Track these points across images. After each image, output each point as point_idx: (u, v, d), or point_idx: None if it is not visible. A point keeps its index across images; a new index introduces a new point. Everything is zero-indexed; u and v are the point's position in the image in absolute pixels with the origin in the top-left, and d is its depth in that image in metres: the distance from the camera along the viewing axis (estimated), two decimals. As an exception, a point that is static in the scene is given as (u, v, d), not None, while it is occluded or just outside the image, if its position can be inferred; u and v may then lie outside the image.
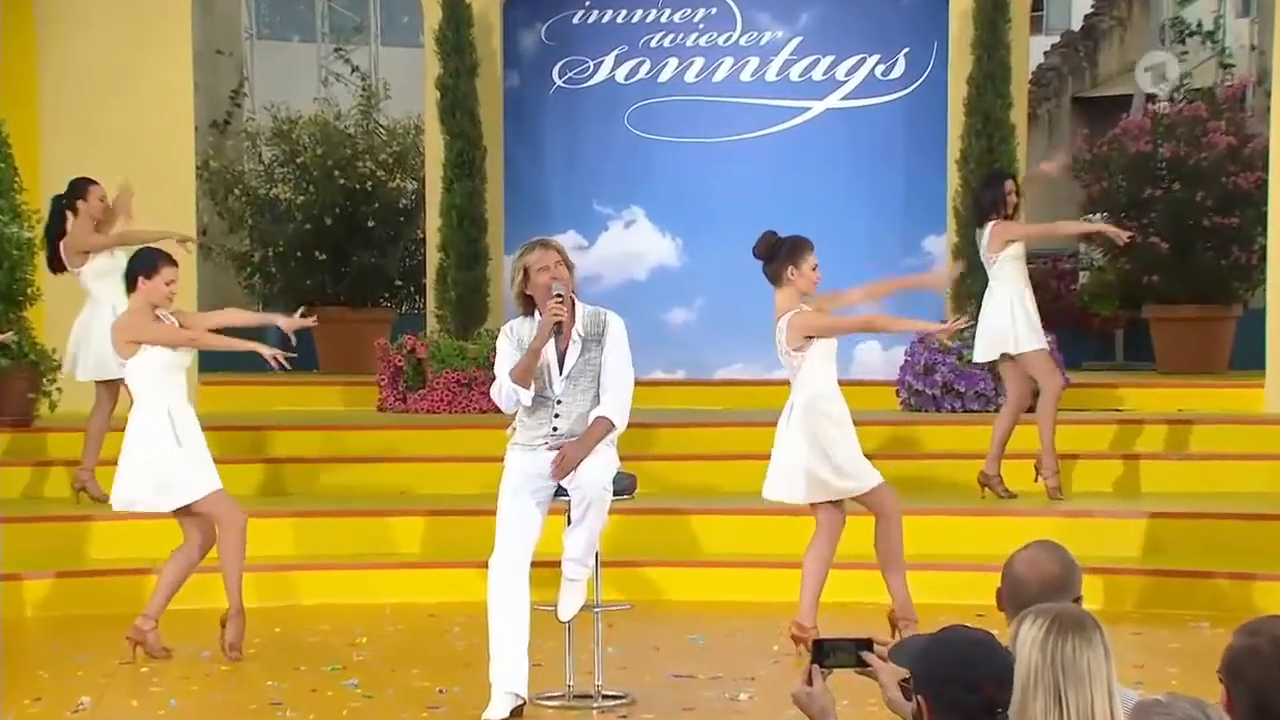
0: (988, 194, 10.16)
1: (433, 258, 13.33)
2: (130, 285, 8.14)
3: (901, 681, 3.60)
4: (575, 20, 13.70)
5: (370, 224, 15.35)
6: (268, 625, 8.77)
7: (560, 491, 7.00)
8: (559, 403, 6.98)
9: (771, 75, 13.53)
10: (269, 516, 9.81)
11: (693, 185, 13.50)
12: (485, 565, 7.01)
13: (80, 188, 10.34)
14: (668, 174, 13.58)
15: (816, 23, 13.53)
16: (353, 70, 18.48)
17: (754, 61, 13.53)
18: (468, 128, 13.02)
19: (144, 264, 8.13)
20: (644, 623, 8.78)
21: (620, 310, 7.22)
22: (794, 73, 13.51)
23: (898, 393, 12.39)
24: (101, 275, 10.11)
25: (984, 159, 12.29)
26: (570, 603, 7.13)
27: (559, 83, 13.70)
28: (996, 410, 10.90)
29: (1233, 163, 14.18)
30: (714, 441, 11.39)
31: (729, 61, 13.55)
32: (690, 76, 13.58)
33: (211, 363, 11.88)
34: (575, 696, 7.29)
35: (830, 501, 8.01)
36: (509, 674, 6.90)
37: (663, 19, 13.61)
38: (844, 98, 13.47)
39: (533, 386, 6.93)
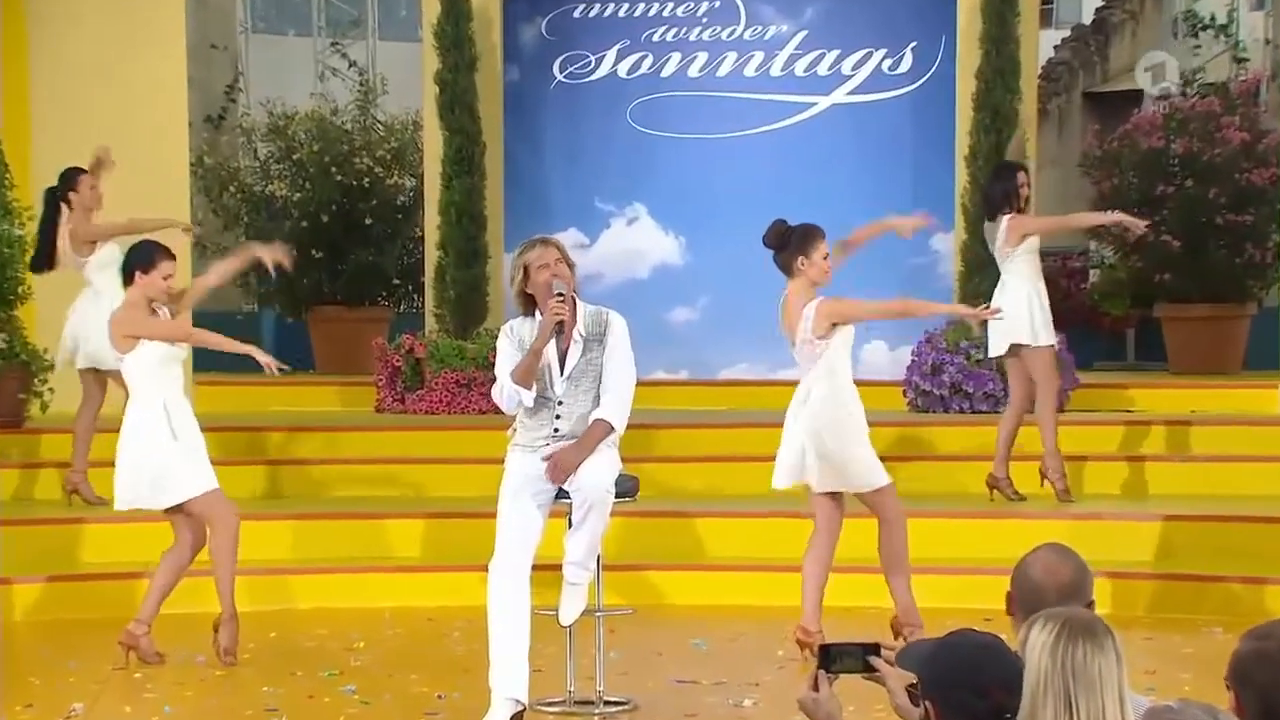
0: (999, 186, 9.88)
1: (431, 256, 13.22)
2: (127, 279, 8.07)
3: (909, 686, 3.59)
4: (576, 14, 13.60)
5: (368, 221, 15.26)
6: (263, 629, 8.72)
7: (562, 494, 6.93)
8: (560, 403, 6.91)
9: (776, 70, 13.40)
10: (265, 519, 9.75)
11: (696, 182, 13.40)
12: (485, 569, 6.94)
13: (70, 178, 10.30)
14: (670, 170, 13.47)
15: (822, 16, 13.41)
16: (350, 65, 18.46)
17: (758, 56, 13.41)
18: (467, 123, 12.90)
19: (141, 258, 8.07)
20: (646, 627, 8.73)
21: (622, 309, 7.13)
22: (799, 67, 13.39)
23: (905, 393, 12.25)
24: (104, 266, 10.04)
25: (993, 155, 12.16)
26: (571, 607, 7.05)
27: (560, 77, 13.58)
28: (1005, 411, 10.75)
29: (1246, 159, 14.05)
30: (718, 443, 11.31)
31: (733, 56, 13.42)
32: (693, 71, 13.46)
33: (206, 362, 11.76)
34: (576, 702, 7.23)
35: (832, 497, 7.95)
36: (509, 679, 6.81)
37: (665, 13, 13.51)
38: (850, 93, 13.36)
39: (534, 387, 6.81)
